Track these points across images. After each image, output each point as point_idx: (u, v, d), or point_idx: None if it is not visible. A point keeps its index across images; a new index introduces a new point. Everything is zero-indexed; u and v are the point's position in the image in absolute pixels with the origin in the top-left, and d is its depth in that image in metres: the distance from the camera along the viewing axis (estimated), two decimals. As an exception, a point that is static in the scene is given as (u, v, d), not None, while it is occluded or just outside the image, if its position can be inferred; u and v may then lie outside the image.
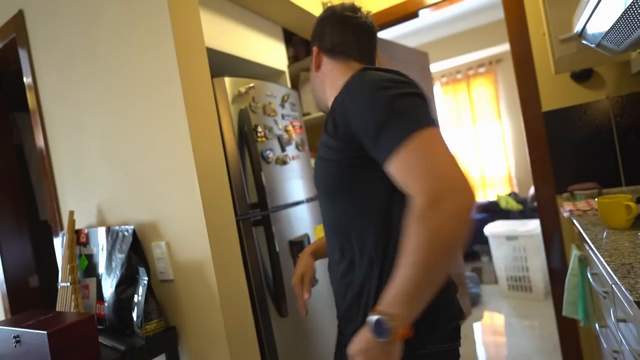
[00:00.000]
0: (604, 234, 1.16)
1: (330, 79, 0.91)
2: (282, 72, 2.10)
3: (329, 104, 0.89)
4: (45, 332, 0.93)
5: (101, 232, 1.32)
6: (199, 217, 1.12)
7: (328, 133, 0.80)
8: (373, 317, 0.63)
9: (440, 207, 0.59)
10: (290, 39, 2.50)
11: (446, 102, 5.12)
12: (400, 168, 0.65)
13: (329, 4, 2.17)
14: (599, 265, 1.08)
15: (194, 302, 1.18)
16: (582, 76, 1.77)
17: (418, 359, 0.73)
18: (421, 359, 0.74)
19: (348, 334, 0.81)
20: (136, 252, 1.21)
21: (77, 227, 1.41)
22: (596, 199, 1.24)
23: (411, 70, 2.74)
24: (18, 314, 1.39)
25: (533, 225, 3.09)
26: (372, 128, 0.68)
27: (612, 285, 0.94)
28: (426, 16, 2.47)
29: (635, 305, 0.72)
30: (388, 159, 0.66)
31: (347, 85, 0.78)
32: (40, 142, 1.59)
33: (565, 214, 1.58)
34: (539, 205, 1.94)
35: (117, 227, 1.26)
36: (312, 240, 1.76)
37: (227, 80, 1.43)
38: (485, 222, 3.76)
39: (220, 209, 1.19)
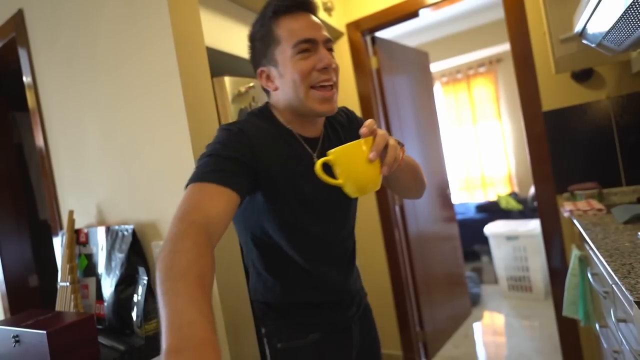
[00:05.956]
0: (605, 234, 1.16)
1: None
2: (282, 72, 2.10)
3: None
4: (45, 331, 0.93)
5: (101, 231, 1.32)
6: (198, 217, 1.12)
7: None
8: None
9: None
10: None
11: (446, 102, 5.11)
12: None
13: (329, 4, 2.17)
14: (600, 266, 1.08)
15: (194, 302, 1.17)
16: (583, 76, 1.77)
17: None
18: None
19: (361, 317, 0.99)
20: (136, 252, 1.21)
21: (76, 226, 1.41)
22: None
23: (411, 70, 2.75)
24: (17, 313, 1.39)
25: (533, 225, 3.09)
26: None
27: (613, 285, 0.93)
28: (426, 16, 2.47)
29: (636, 305, 0.72)
30: None
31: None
32: (39, 141, 1.59)
33: (566, 214, 1.58)
34: (539, 205, 1.94)
35: (116, 227, 1.26)
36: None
37: (227, 79, 1.43)
38: (486, 221, 3.76)
39: (220, 208, 1.18)
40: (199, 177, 0.68)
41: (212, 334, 0.43)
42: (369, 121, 0.70)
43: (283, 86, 0.82)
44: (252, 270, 0.93)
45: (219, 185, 0.66)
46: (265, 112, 0.87)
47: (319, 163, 0.72)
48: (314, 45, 0.79)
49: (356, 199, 0.96)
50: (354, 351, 0.96)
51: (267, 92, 0.89)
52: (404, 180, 0.93)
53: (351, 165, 0.71)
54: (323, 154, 0.81)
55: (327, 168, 0.72)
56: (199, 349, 0.40)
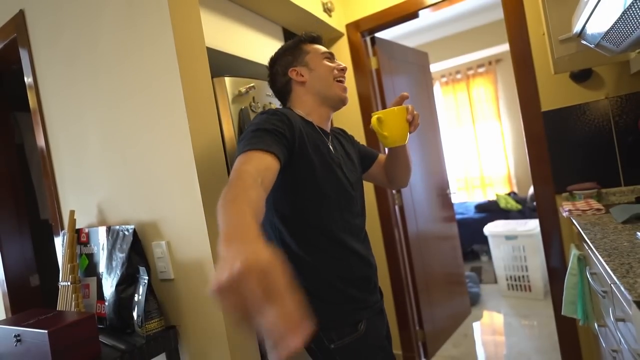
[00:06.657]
0: (603, 233, 1.17)
1: None
2: (282, 72, 2.10)
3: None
4: (46, 331, 0.94)
5: (102, 231, 1.32)
6: (199, 217, 1.12)
7: (356, 151, 1.27)
8: None
9: None
10: (290, 39, 2.50)
11: (446, 102, 5.12)
12: None
13: (329, 4, 2.17)
14: (598, 265, 1.09)
15: (195, 302, 1.18)
16: (582, 76, 1.77)
17: None
18: None
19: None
20: (136, 252, 1.22)
21: (77, 226, 1.41)
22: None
23: (411, 71, 2.75)
24: (19, 313, 1.39)
25: (532, 225, 3.10)
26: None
27: (611, 285, 0.94)
28: (426, 16, 2.47)
29: (634, 305, 0.72)
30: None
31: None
32: (40, 141, 1.59)
33: (565, 214, 1.59)
34: (538, 205, 1.94)
35: (117, 227, 1.26)
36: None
37: (227, 80, 1.44)
38: (485, 221, 3.76)
39: (220, 208, 1.19)
40: (248, 147, 0.82)
41: (260, 235, 0.51)
42: (405, 94, 1.06)
43: (312, 78, 1.11)
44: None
45: (265, 152, 0.82)
46: (288, 109, 1.11)
47: (374, 117, 1.02)
48: (332, 56, 1.17)
49: (362, 182, 1.22)
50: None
51: (286, 97, 1.17)
52: (404, 158, 1.23)
53: (395, 122, 1.02)
54: (334, 145, 1.11)
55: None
56: (255, 241, 0.48)
